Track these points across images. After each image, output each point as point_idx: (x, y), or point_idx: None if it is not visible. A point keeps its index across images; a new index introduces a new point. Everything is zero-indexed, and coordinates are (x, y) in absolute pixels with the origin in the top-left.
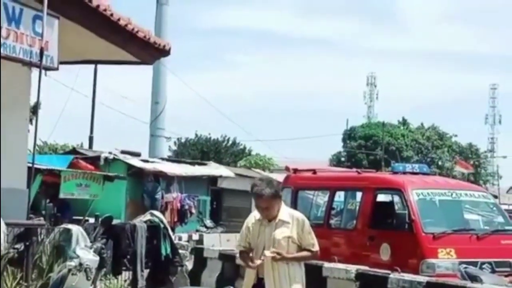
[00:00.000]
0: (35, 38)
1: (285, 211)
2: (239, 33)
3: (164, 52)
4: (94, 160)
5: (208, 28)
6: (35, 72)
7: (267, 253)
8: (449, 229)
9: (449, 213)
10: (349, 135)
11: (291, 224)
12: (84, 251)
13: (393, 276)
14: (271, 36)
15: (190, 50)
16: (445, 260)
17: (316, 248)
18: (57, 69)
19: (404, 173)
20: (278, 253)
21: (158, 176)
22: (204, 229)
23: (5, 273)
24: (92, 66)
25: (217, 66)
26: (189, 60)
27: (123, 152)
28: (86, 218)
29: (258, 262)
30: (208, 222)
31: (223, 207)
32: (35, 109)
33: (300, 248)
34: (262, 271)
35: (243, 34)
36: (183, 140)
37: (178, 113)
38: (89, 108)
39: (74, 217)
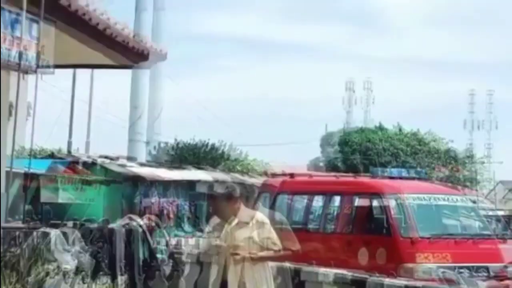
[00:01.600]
0: (31, 42)
1: (244, 213)
2: (229, 39)
3: (143, 56)
4: (73, 164)
5: (200, 33)
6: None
7: (227, 253)
8: (427, 234)
9: (427, 218)
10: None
11: (250, 225)
12: (63, 255)
13: (372, 279)
14: (258, 41)
15: (183, 55)
16: (423, 265)
17: (279, 247)
18: (52, 72)
19: (383, 177)
20: (236, 253)
21: (137, 180)
22: (182, 233)
23: None
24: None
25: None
26: (182, 64)
27: (101, 156)
28: (65, 222)
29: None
30: (187, 227)
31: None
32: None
33: (264, 249)
34: (226, 274)
35: (232, 40)
36: (162, 145)
37: (171, 116)
38: (84, 113)
39: (53, 222)
